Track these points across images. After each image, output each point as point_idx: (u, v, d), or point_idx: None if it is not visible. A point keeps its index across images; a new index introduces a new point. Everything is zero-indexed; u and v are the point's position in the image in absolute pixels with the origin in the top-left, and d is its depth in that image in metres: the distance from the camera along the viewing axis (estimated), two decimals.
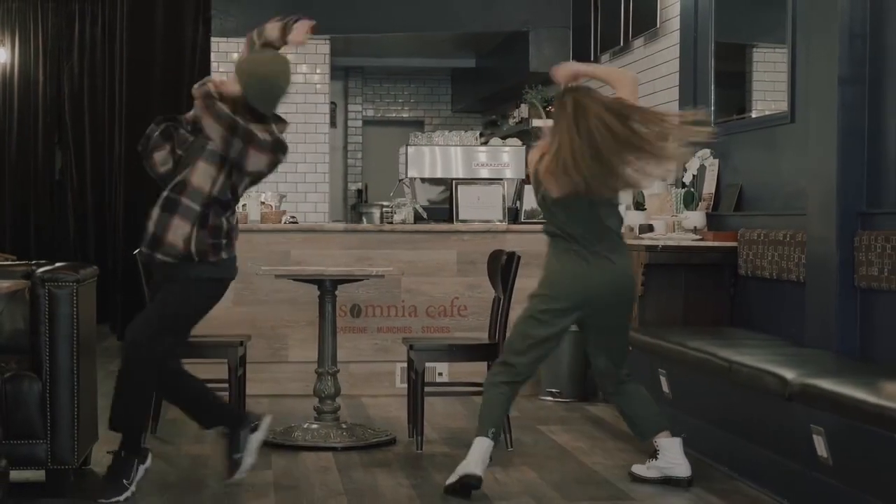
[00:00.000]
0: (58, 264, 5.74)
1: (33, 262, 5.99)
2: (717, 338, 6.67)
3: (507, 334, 6.14)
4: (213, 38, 12.27)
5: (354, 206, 16.42)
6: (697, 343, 6.42)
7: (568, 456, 6.59)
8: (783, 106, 7.32)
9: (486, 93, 14.97)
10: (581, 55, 11.46)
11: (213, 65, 12.31)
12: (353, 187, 17.21)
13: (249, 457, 5.64)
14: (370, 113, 17.76)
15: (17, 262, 6.28)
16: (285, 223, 9.18)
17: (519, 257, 6.71)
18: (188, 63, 12.52)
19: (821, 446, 5.05)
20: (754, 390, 5.63)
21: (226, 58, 12.39)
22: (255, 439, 5.67)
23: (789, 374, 5.34)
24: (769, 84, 7.99)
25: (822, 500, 5.18)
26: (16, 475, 5.48)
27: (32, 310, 5.50)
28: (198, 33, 12.45)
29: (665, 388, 6.81)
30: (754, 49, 8.33)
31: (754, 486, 5.80)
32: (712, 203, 8.16)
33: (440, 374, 8.45)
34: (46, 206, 14.05)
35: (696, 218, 7.96)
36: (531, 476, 6.07)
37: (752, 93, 8.18)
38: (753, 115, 7.99)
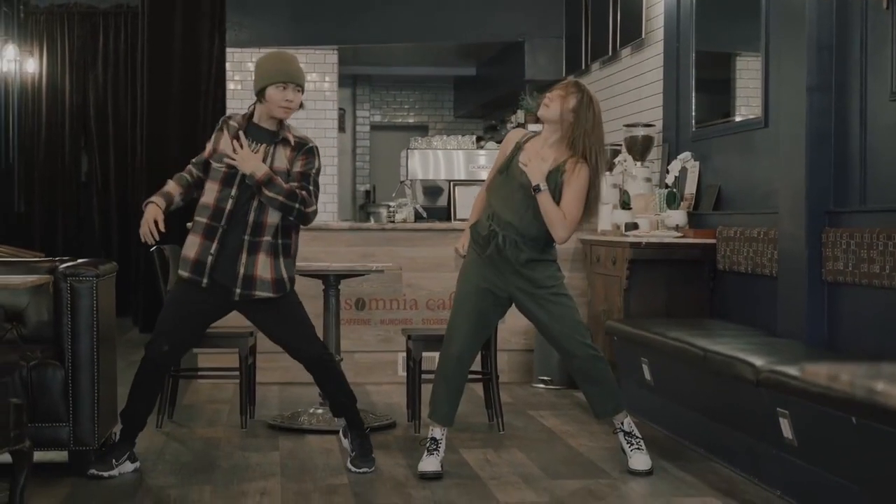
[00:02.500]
0: (79, 260, 5.84)
1: (57, 258, 6.10)
2: (696, 328, 6.76)
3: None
4: (227, 49, 12.38)
5: (363, 207, 16.56)
6: (676, 333, 6.51)
7: (556, 439, 6.69)
8: (759, 111, 7.42)
9: (486, 99, 15.06)
10: (573, 64, 11.56)
11: (228, 73, 12.42)
12: (361, 188, 17.31)
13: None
14: (377, 118, 17.86)
15: (43, 259, 6.40)
16: None
17: None
18: (204, 72, 12.60)
19: (786, 428, 5.15)
20: (727, 377, 5.72)
21: (240, 67, 12.52)
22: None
23: (759, 362, 5.43)
24: (753, 91, 8.07)
25: (787, 477, 5.28)
26: (41, 456, 5.61)
27: (55, 302, 5.63)
28: (213, 44, 12.53)
29: (647, 375, 6.92)
30: (738, 57, 8.42)
31: (726, 465, 5.90)
32: (693, 203, 8.25)
33: None
34: (73, 207, 14.19)
35: (677, 216, 8.05)
36: (520, 457, 6.17)
37: (736, 98, 8.27)
38: (737, 119, 8.08)
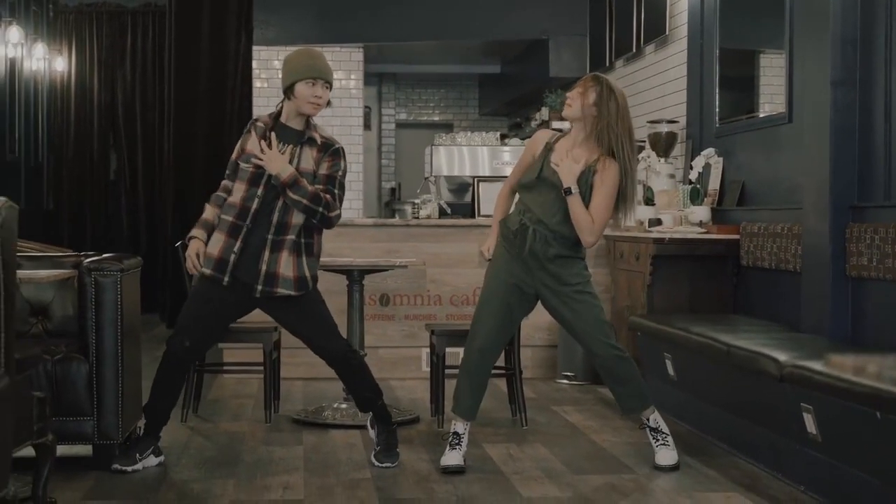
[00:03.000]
0: (104, 255, 5.81)
1: (83, 253, 6.07)
2: (719, 324, 6.68)
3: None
4: (254, 47, 12.36)
5: (388, 203, 16.52)
6: (700, 328, 6.44)
7: (579, 434, 6.63)
8: (783, 108, 7.34)
9: (511, 97, 15.00)
10: (597, 61, 11.48)
11: (255, 71, 12.39)
12: (386, 185, 17.27)
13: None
14: (403, 116, 17.82)
15: (68, 254, 6.37)
16: None
17: None
18: (231, 70, 12.59)
19: (810, 424, 5.08)
20: (750, 372, 5.64)
21: (266, 65, 12.50)
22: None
23: (782, 357, 5.36)
24: (777, 88, 8.00)
25: (811, 473, 5.21)
26: (65, 450, 5.60)
27: (80, 297, 5.60)
28: (240, 42, 12.52)
29: (670, 370, 6.85)
30: (761, 54, 8.34)
31: (750, 460, 5.83)
32: (717, 198, 8.17)
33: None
34: (101, 205, 14.20)
35: (701, 212, 7.97)
36: (543, 452, 6.11)
37: (760, 95, 8.18)
38: (761, 115, 8.00)
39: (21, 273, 5.36)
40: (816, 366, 5.08)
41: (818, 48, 6.43)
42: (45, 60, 13.68)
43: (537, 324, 8.59)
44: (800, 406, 5.14)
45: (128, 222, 14.14)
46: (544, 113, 12.45)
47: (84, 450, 5.66)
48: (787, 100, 7.26)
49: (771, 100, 7.98)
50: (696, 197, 8.08)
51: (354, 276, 6.96)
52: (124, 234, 14.10)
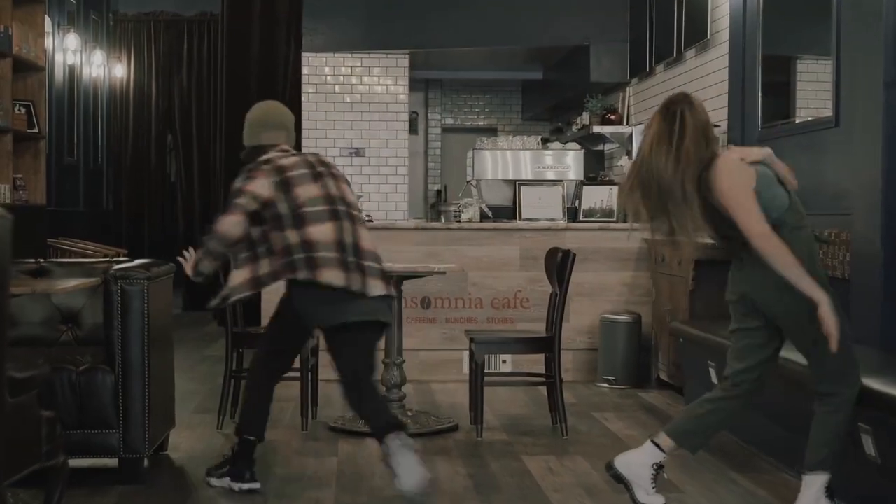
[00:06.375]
0: (134, 262, 5.26)
1: (114, 258, 5.53)
2: None
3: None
4: (303, 53, 11.81)
5: (433, 206, 15.92)
6: None
7: (620, 444, 5.98)
8: (825, 112, 6.66)
9: (553, 102, 14.37)
10: (637, 67, 10.85)
11: (304, 77, 11.84)
12: (433, 188, 16.71)
13: None
14: (449, 121, 17.23)
15: (100, 260, 5.81)
16: None
17: (574, 255, 6.15)
18: (281, 76, 12.10)
19: (868, 445, 4.43)
20: (804, 387, 5.00)
21: (315, 71, 11.99)
22: None
23: None
24: (811, 93, 7.39)
25: (868, 495, 4.56)
26: (90, 462, 5.04)
27: (105, 305, 5.02)
28: (290, 49, 12.01)
29: (713, 379, 6.18)
30: (798, 60, 7.69)
31: (798, 476, 5.18)
32: None
33: (504, 360, 7.91)
34: (158, 207, 13.72)
35: None
36: (584, 466, 5.49)
37: (796, 101, 7.54)
38: (796, 121, 7.36)
39: (40, 284, 4.85)
40: (875, 384, 4.43)
41: (869, 49, 5.78)
42: (104, 67, 13.23)
43: (577, 327, 8.00)
44: (857, 426, 4.49)
45: (184, 223, 13.64)
46: (585, 118, 11.80)
47: (112, 461, 5.09)
48: (834, 103, 6.58)
49: (807, 105, 7.35)
50: None
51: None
52: (180, 233, 13.60)
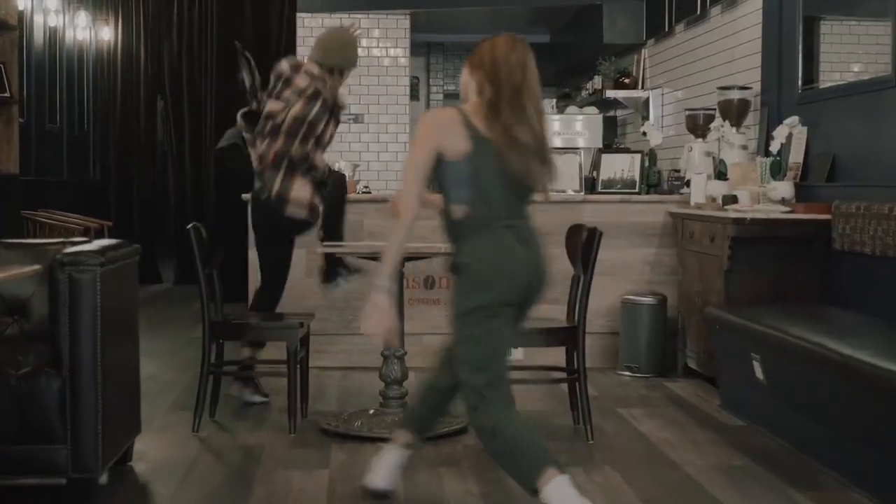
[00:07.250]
0: (84, 246, 4.37)
1: (69, 240, 4.65)
2: (819, 322, 5.16)
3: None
4: (298, 14, 10.89)
5: None
6: (798, 330, 4.91)
7: (654, 451, 5.12)
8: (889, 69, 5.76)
9: (559, 67, 13.40)
10: (654, 26, 9.93)
11: (299, 39, 10.92)
12: None
13: None
14: (451, 87, 16.29)
15: (52, 241, 4.88)
16: (360, 193, 7.83)
17: (601, 233, 5.26)
18: (275, 37, 11.30)
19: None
20: (873, 389, 4.14)
21: (311, 32, 11.02)
22: None
23: None
24: (836, 56, 6.76)
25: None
26: (36, 482, 4.17)
27: (51, 297, 4.13)
28: (284, 9, 11.15)
29: (758, 374, 5.30)
30: (821, 21, 6.82)
31: (871, 496, 4.31)
32: (800, 173, 6.64)
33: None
34: (148, 175, 12.80)
35: (784, 189, 6.42)
36: (615, 481, 4.60)
37: (820, 64, 6.71)
38: (821, 87, 6.49)
39: None
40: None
41: None
42: (90, 29, 12.30)
43: (596, 309, 7.10)
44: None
45: (175, 190, 12.71)
46: (597, 82, 10.89)
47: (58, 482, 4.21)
48: (893, 59, 5.69)
49: (831, 67, 6.51)
50: (777, 171, 6.55)
51: None
52: (171, 202, 12.70)
